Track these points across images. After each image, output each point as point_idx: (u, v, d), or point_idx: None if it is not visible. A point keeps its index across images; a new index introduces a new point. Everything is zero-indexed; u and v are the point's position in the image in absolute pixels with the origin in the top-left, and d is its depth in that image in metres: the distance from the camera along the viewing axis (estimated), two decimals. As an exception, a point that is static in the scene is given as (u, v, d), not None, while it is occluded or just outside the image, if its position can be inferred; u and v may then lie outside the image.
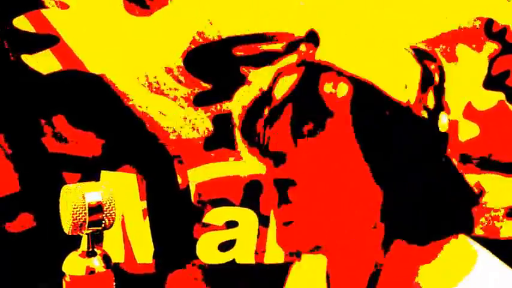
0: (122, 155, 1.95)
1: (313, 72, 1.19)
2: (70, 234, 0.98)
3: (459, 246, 1.25)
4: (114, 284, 1.00)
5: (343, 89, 1.18)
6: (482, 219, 1.85)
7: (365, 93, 1.17)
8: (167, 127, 1.92)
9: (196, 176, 1.95)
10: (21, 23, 1.89)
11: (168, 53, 1.90)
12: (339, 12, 1.84)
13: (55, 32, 1.90)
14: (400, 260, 1.20)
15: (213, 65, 1.92)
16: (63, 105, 1.93)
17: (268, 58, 1.84)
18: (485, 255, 1.26)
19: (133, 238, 1.96)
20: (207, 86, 1.91)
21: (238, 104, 1.89)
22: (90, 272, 0.97)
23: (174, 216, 1.97)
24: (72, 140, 1.93)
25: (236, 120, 1.90)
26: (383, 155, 1.18)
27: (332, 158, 1.18)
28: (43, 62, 1.90)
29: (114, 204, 0.98)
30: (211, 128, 1.92)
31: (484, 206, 1.86)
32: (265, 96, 1.24)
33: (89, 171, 1.93)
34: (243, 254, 1.96)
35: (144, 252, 1.97)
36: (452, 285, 1.18)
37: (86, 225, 0.97)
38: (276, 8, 1.87)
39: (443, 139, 1.20)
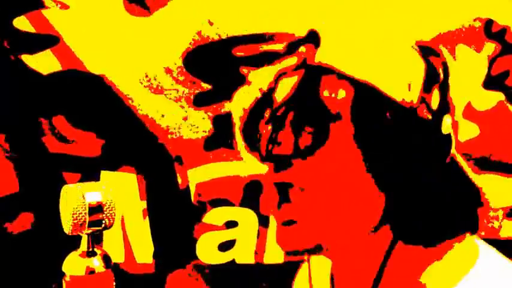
0: (122, 155, 1.95)
1: (314, 75, 1.19)
2: (70, 234, 0.98)
3: (463, 244, 1.25)
4: (114, 284, 1.00)
5: (344, 92, 1.18)
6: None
7: (367, 95, 1.17)
8: (167, 127, 1.93)
9: (196, 176, 1.95)
10: (22, 23, 1.89)
11: (168, 53, 1.90)
12: (339, 12, 1.84)
13: (55, 32, 1.90)
14: (405, 262, 1.20)
15: (213, 65, 1.92)
16: (63, 105, 1.93)
17: (268, 58, 1.84)
18: (486, 249, 1.26)
19: (133, 238, 1.97)
20: (207, 86, 1.91)
21: (238, 104, 1.89)
22: (90, 272, 0.97)
23: (174, 216, 1.98)
24: (72, 140, 1.93)
25: (236, 121, 1.90)
26: (386, 156, 1.18)
27: (333, 159, 1.18)
28: (43, 62, 1.90)
29: (114, 204, 0.98)
30: (211, 128, 1.92)
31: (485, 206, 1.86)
32: (266, 98, 1.23)
33: (89, 171, 1.93)
34: (243, 254, 1.96)
35: (144, 252, 1.97)
36: (456, 281, 1.18)
37: (86, 225, 0.97)
38: (276, 8, 1.87)
39: (447, 141, 1.20)
